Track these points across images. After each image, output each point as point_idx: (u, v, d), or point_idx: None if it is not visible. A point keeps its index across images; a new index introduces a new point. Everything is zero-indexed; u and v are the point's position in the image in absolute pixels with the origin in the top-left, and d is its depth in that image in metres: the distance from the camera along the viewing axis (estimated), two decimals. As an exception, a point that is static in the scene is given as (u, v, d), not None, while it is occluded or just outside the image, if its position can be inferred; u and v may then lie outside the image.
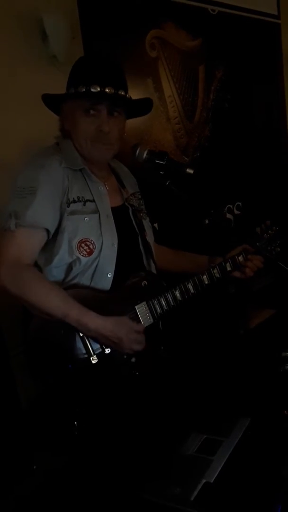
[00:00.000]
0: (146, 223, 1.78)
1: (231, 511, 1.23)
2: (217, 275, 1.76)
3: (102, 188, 1.62)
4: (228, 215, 3.25)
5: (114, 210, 1.63)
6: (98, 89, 1.50)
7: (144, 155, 1.59)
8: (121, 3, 2.45)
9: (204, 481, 1.32)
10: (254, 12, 3.36)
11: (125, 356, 1.53)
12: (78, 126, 1.57)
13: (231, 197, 3.25)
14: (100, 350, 1.49)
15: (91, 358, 1.46)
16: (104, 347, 1.50)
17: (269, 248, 1.88)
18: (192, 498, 1.27)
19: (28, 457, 1.74)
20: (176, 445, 1.49)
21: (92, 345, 1.47)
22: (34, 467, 1.72)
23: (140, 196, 1.81)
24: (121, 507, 1.36)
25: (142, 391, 1.59)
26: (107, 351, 1.50)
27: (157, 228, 2.70)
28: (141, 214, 1.77)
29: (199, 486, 1.31)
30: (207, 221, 2.73)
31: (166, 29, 2.74)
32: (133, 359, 1.56)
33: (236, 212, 3.30)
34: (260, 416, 1.57)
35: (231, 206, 3.26)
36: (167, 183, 1.59)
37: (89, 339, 1.46)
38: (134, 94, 2.56)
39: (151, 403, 1.62)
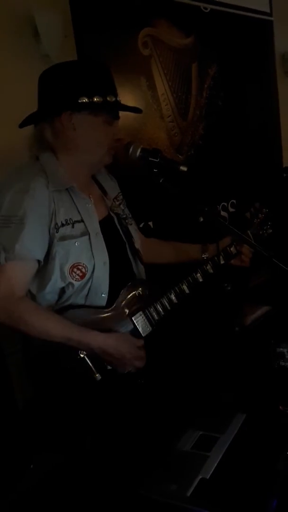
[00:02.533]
0: (132, 227, 1.76)
1: (228, 506, 1.23)
2: (211, 271, 1.76)
3: (89, 205, 1.58)
4: (223, 213, 3.26)
5: (101, 223, 1.60)
6: (119, 99, 1.55)
7: (138, 153, 1.60)
8: (114, 2, 2.45)
9: (200, 477, 1.32)
10: (247, 9, 3.37)
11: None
12: (98, 136, 1.54)
13: (225, 194, 3.26)
14: (102, 366, 1.49)
15: (95, 376, 1.46)
16: (106, 364, 1.50)
17: (260, 232, 1.87)
18: (188, 494, 1.27)
19: (24, 456, 1.74)
20: (172, 442, 1.49)
21: (94, 363, 1.47)
22: (31, 466, 1.72)
23: (121, 198, 1.77)
24: (118, 503, 1.37)
25: (138, 389, 1.60)
26: (109, 366, 1.51)
27: (152, 227, 2.70)
28: (127, 221, 1.74)
29: (195, 482, 1.31)
30: (201, 219, 2.73)
31: (159, 27, 2.74)
32: (142, 381, 1.58)
33: (230, 209, 3.30)
34: (256, 412, 1.57)
35: (226, 203, 3.27)
36: (161, 181, 1.59)
37: (90, 358, 1.46)
38: (128, 93, 2.59)
39: (147, 400, 1.62)
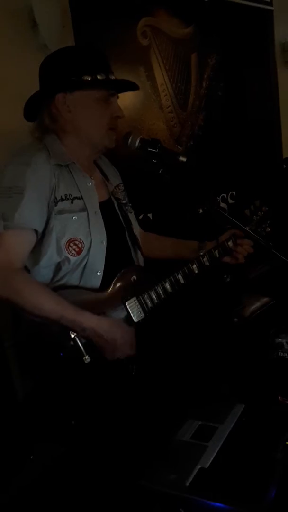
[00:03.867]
0: (132, 216, 1.77)
1: (226, 496, 1.24)
2: (207, 263, 1.75)
3: (90, 183, 1.60)
4: (223, 204, 3.25)
5: (101, 204, 1.62)
6: (113, 77, 1.54)
7: (137, 143, 1.59)
8: (112, -9, 2.43)
9: (199, 466, 1.34)
10: (247, -2, 3.34)
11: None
12: (94, 115, 1.55)
13: (225, 186, 3.25)
14: (93, 349, 1.49)
15: (84, 358, 1.46)
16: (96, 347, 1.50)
17: (259, 230, 1.86)
18: (187, 484, 1.28)
19: (25, 447, 1.75)
20: (171, 432, 1.49)
21: (84, 344, 1.47)
22: (31, 457, 1.73)
23: (123, 188, 1.79)
24: (117, 493, 1.37)
25: (136, 379, 1.60)
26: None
27: (151, 219, 2.70)
28: (127, 207, 1.75)
29: (194, 472, 1.32)
30: (201, 210, 2.71)
31: (158, 17, 2.71)
32: (132, 369, 1.57)
33: (230, 201, 3.30)
34: (255, 402, 1.58)
35: (225, 195, 3.26)
36: (160, 172, 1.59)
37: (81, 339, 1.46)
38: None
39: (146, 391, 1.63)
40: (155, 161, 1.58)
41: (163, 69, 2.77)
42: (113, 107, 1.58)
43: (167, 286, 1.67)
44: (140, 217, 2.58)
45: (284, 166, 3.73)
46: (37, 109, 1.59)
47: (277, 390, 1.62)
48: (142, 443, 1.48)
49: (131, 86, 1.65)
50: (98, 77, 1.50)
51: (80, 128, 1.57)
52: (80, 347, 1.45)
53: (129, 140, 1.59)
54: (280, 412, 1.52)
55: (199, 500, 1.24)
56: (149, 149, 1.57)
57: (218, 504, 1.21)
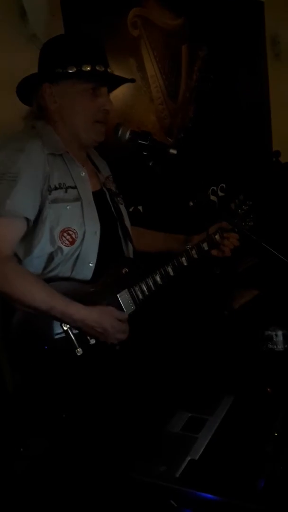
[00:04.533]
0: (123, 208, 1.77)
1: (217, 487, 1.25)
2: (196, 256, 1.76)
3: (83, 173, 1.59)
4: (212, 197, 3.25)
5: (94, 194, 1.61)
6: (103, 68, 1.51)
7: (127, 136, 1.58)
8: (102, -20, 2.40)
9: (189, 458, 1.34)
10: (238, -10, 3.33)
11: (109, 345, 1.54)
12: (78, 107, 1.53)
13: (215, 178, 3.25)
14: (85, 341, 1.49)
15: (76, 351, 1.46)
16: (88, 338, 1.50)
17: (243, 224, 1.87)
18: (177, 475, 1.29)
19: (15, 440, 1.74)
20: (161, 424, 1.50)
21: (76, 337, 1.47)
22: (21, 449, 1.72)
23: (112, 179, 1.78)
24: (107, 485, 1.38)
25: (127, 371, 1.60)
26: (92, 342, 1.50)
27: (141, 211, 2.69)
28: (118, 199, 1.75)
29: (184, 463, 1.32)
30: (191, 203, 2.72)
31: (148, 7, 2.69)
32: (118, 347, 1.56)
33: (220, 193, 3.30)
34: (244, 394, 1.59)
35: (215, 187, 3.26)
36: (150, 164, 1.58)
37: (73, 332, 1.46)
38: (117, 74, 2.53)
39: (136, 382, 1.63)
40: (146, 153, 1.57)
41: (154, 61, 2.75)
42: (101, 99, 1.55)
43: (158, 278, 1.67)
44: (131, 209, 2.57)
45: (274, 158, 3.73)
46: (23, 94, 1.59)
47: (266, 382, 1.63)
48: (132, 435, 1.49)
49: (122, 79, 1.63)
50: (84, 68, 1.47)
51: (67, 119, 1.55)
52: (72, 340, 1.45)
53: (119, 132, 1.58)
54: (269, 404, 1.54)
55: (189, 492, 1.24)
56: (139, 141, 1.56)
57: (208, 495, 1.22)
